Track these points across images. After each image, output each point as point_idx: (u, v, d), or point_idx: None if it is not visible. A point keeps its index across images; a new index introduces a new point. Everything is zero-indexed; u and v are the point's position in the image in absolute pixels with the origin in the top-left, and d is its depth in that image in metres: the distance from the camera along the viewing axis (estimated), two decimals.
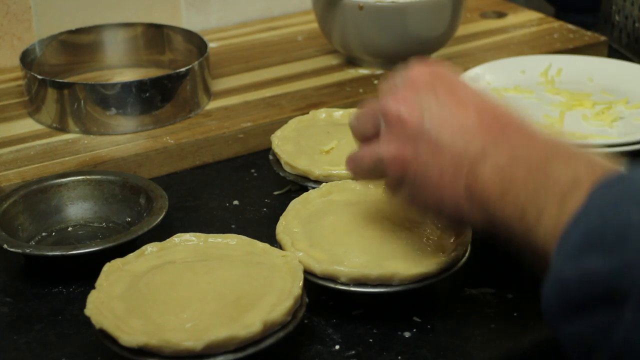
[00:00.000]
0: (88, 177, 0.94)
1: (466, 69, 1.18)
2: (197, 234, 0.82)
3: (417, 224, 0.81)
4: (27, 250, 0.83)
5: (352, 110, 1.04)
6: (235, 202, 0.97)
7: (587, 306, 0.54)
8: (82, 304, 0.73)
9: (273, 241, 0.82)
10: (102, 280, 0.76)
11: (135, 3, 1.31)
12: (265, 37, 1.34)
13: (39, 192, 0.92)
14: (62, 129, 1.06)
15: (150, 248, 0.80)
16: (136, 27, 1.22)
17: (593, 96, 1.13)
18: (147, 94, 1.05)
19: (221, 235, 0.82)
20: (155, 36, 1.21)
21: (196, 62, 1.09)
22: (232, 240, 0.81)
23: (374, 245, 0.79)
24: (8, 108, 1.12)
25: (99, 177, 0.93)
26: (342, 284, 0.77)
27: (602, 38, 1.31)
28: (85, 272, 0.81)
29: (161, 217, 0.87)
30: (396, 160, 0.71)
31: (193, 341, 0.68)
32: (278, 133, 0.99)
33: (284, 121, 1.03)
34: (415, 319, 0.79)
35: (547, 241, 0.60)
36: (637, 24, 1.30)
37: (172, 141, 1.04)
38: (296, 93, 1.15)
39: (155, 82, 1.06)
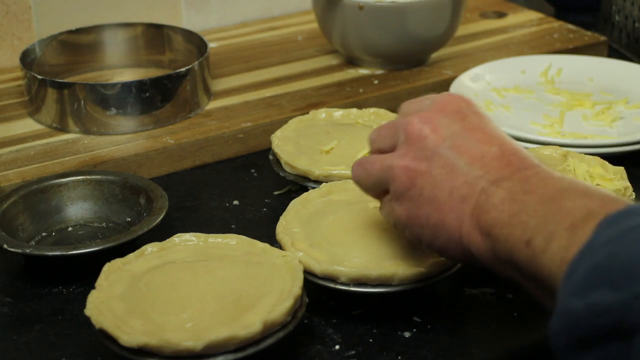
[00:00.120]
0: (88, 177, 0.94)
1: (466, 69, 1.18)
2: (197, 234, 0.82)
3: None
4: (27, 250, 0.83)
5: (352, 110, 1.04)
6: (235, 202, 0.97)
7: (596, 340, 0.53)
8: (82, 304, 0.73)
9: (273, 241, 0.82)
10: (102, 280, 0.76)
11: (135, 3, 1.31)
12: (265, 37, 1.34)
13: (39, 192, 0.92)
14: (62, 129, 1.06)
15: (150, 248, 0.80)
16: (136, 27, 1.22)
17: (593, 96, 1.13)
18: (147, 94, 1.05)
19: (221, 235, 0.82)
20: (155, 36, 1.21)
21: (196, 62, 1.09)
22: (232, 240, 0.81)
23: (374, 245, 0.79)
24: (8, 108, 1.12)
25: (99, 177, 0.93)
26: (342, 284, 0.77)
27: (602, 38, 1.31)
28: (85, 272, 0.81)
29: (161, 217, 0.87)
30: (407, 171, 0.70)
31: (193, 341, 0.68)
32: (278, 133, 0.99)
33: (284, 121, 1.03)
34: (415, 319, 0.79)
35: (553, 271, 0.59)
36: (637, 24, 1.30)
37: (172, 141, 1.04)
38: (296, 93, 1.15)
39: (155, 82, 1.06)
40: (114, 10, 1.29)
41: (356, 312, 0.80)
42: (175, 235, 0.82)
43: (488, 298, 0.81)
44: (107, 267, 0.77)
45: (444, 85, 1.16)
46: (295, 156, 0.95)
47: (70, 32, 1.19)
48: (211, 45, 1.23)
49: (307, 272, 0.77)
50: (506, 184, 0.65)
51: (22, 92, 1.13)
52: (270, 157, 0.98)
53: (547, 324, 0.55)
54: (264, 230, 0.88)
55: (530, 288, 0.64)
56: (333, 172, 0.92)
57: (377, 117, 1.03)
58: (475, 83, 1.15)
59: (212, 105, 1.12)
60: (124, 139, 1.05)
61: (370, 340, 0.76)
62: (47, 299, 0.83)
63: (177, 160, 1.04)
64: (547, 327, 0.55)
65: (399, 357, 0.74)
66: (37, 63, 1.15)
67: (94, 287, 0.75)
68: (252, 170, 1.04)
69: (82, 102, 1.04)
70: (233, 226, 0.93)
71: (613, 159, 0.93)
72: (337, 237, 0.80)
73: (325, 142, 0.97)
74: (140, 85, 1.05)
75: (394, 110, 1.05)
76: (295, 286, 0.74)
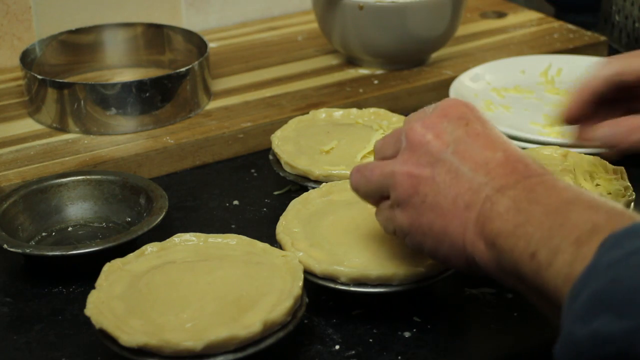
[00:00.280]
0: (88, 177, 0.94)
1: (466, 69, 1.18)
2: (197, 234, 0.82)
3: None
4: (27, 250, 0.83)
5: (352, 110, 1.04)
6: (235, 202, 0.97)
7: None
8: (82, 304, 0.73)
9: (273, 241, 0.82)
10: (102, 280, 0.76)
11: (135, 3, 1.31)
12: (265, 37, 1.34)
13: (39, 192, 0.92)
14: (62, 129, 1.06)
15: (150, 248, 0.80)
16: (136, 27, 1.22)
17: None
18: (147, 94, 1.05)
19: (221, 235, 0.82)
20: (155, 36, 1.21)
21: (196, 62, 1.09)
22: (232, 240, 0.81)
23: (374, 245, 0.79)
24: (8, 108, 1.12)
25: (99, 177, 0.93)
26: (342, 284, 0.77)
27: (602, 38, 1.31)
28: (85, 272, 0.81)
29: (161, 217, 0.87)
30: (410, 177, 0.68)
31: (193, 341, 0.68)
32: (278, 133, 0.99)
33: (284, 121, 1.03)
34: (415, 319, 0.79)
35: (558, 286, 0.58)
36: (637, 24, 1.30)
37: (172, 141, 1.04)
38: (296, 93, 1.15)
39: (155, 82, 1.06)
40: (114, 10, 1.29)
41: (356, 312, 0.80)
42: (175, 235, 0.82)
43: (488, 298, 0.81)
44: (107, 267, 0.77)
45: (444, 85, 1.16)
46: (295, 156, 0.95)
47: (70, 32, 1.19)
48: (211, 45, 1.23)
49: (307, 272, 0.77)
50: (511, 193, 0.64)
51: (22, 92, 1.13)
52: (270, 157, 0.98)
53: (553, 347, 0.55)
54: (264, 230, 0.88)
55: (534, 300, 0.63)
56: (333, 172, 0.92)
57: (377, 117, 1.03)
58: (475, 83, 1.15)
59: (212, 105, 1.12)
60: (124, 139, 1.05)
61: (370, 340, 0.76)
62: (47, 299, 0.83)
63: (177, 160, 1.04)
64: (553, 350, 0.55)
65: (399, 357, 0.74)
66: (37, 63, 1.15)
67: (94, 287, 0.75)
68: (252, 170, 1.04)
69: (82, 102, 1.04)
70: (233, 226, 0.93)
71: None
72: (337, 237, 0.80)
73: (325, 142, 0.97)
74: (140, 85, 1.05)
75: (394, 110, 1.06)
76: (295, 286, 0.74)
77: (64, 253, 0.82)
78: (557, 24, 1.36)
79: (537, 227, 0.61)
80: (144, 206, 0.90)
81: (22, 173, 0.98)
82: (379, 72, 1.21)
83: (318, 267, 0.77)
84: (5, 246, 0.83)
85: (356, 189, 0.74)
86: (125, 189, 0.92)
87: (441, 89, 1.16)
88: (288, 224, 0.83)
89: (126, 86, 1.05)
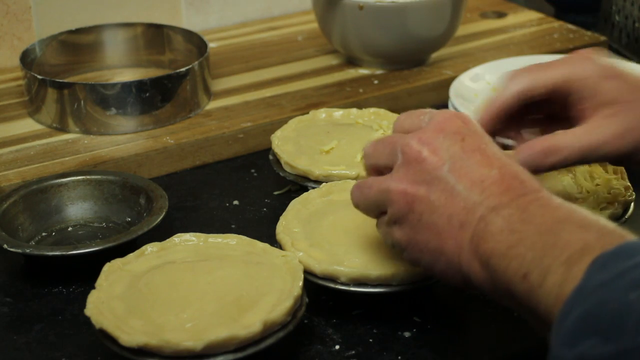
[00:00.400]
0: (88, 177, 0.94)
1: (466, 69, 1.18)
2: (197, 234, 0.82)
3: None
4: (27, 250, 0.83)
5: (352, 110, 1.04)
6: (235, 202, 0.97)
7: None
8: (82, 304, 0.73)
9: (273, 241, 0.82)
10: (102, 280, 0.76)
11: (135, 3, 1.31)
12: (265, 37, 1.34)
13: (39, 192, 0.92)
14: (62, 129, 1.06)
15: (150, 248, 0.80)
16: (136, 27, 1.22)
17: None
18: (147, 94, 1.05)
19: (221, 235, 0.82)
20: (155, 36, 1.21)
21: (196, 62, 1.09)
22: (232, 240, 0.81)
23: (374, 245, 0.79)
24: (8, 108, 1.12)
25: (99, 177, 0.94)
26: (342, 284, 0.77)
27: (602, 38, 1.31)
28: (85, 272, 0.81)
29: (161, 217, 0.87)
30: (405, 195, 0.68)
31: (193, 341, 0.68)
32: (278, 133, 0.99)
33: (284, 121, 1.03)
34: (415, 319, 0.79)
35: (548, 307, 0.58)
36: (637, 24, 1.30)
37: (172, 141, 1.04)
38: (296, 93, 1.15)
39: (155, 82, 1.06)
40: (114, 10, 1.29)
41: (356, 312, 0.80)
42: (175, 235, 0.82)
43: (488, 298, 0.81)
44: (107, 267, 0.77)
45: (444, 85, 1.16)
46: (295, 156, 0.95)
47: (70, 32, 1.19)
48: (211, 45, 1.23)
49: (307, 272, 0.77)
50: (505, 212, 0.64)
51: (22, 92, 1.13)
52: (270, 157, 0.98)
53: None
54: (264, 230, 0.88)
55: (528, 319, 0.63)
56: (333, 172, 0.92)
57: (377, 117, 1.03)
58: (475, 83, 1.15)
59: (212, 105, 1.12)
60: (124, 139, 1.05)
61: (370, 340, 0.76)
62: (47, 299, 0.83)
63: (177, 160, 1.04)
64: None
65: (399, 357, 0.74)
66: (37, 63, 1.15)
67: (94, 287, 0.75)
68: (252, 170, 1.04)
69: (82, 102, 1.04)
70: (233, 226, 0.93)
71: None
72: (337, 237, 0.80)
73: (325, 142, 0.97)
74: (140, 85, 1.05)
75: (394, 110, 1.06)
76: (295, 286, 0.74)
77: (64, 253, 0.82)
78: (557, 24, 1.36)
79: (530, 248, 0.61)
80: (144, 206, 0.90)
81: (22, 173, 0.98)
82: (379, 72, 1.21)
83: (318, 267, 0.77)
84: (5, 246, 0.83)
85: (356, 205, 0.74)
86: (125, 189, 0.92)
87: (441, 89, 1.16)
88: (288, 224, 0.83)
89: (126, 86, 1.05)
